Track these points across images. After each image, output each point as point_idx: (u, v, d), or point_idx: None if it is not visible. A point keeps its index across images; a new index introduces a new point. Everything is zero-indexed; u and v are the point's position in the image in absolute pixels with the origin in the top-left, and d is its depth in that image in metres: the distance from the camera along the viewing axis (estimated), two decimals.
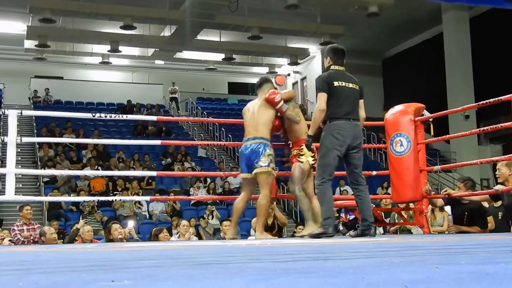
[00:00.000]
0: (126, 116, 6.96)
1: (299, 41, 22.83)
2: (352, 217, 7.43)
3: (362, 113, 5.43)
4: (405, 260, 2.40)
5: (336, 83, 5.27)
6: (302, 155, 5.84)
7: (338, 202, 7.19)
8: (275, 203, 8.20)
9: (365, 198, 5.28)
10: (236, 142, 16.66)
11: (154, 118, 8.06)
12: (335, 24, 20.34)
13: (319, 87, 5.30)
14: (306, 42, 22.96)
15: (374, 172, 7.39)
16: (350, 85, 5.34)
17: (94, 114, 6.35)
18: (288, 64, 25.29)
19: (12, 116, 5.66)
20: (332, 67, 5.44)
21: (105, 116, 6.34)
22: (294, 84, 27.22)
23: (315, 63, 24.89)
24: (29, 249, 4.89)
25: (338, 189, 16.48)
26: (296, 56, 23.98)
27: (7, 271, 2.26)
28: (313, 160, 5.75)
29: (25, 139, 6.42)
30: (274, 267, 2.08)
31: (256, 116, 5.98)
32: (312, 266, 2.07)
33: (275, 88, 6.31)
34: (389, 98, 24.32)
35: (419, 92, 19.12)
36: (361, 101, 5.45)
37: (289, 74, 27.35)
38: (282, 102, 5.89)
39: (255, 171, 5.77)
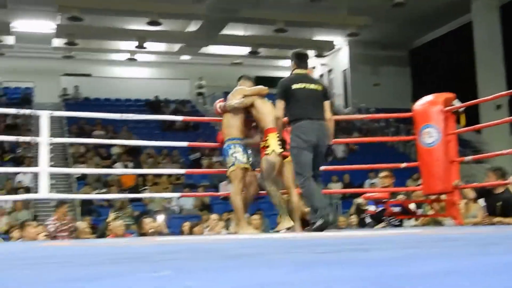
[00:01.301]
0: (152, 116, 7.02)
1: (324, 33, 22.74)
2: (380, 209, 7.39)
3: (327, 114, 5.52)
4: (441, 251, 2.39)
5: (294, 86, 5.42)
6: (267, 146, 5.83)
7: (367, 195, 7.17)
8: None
9: (320, 191, 5.37)
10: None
11: (180, 118, 8.12)
12: (361, 15, 20.21)
13: (277, 93, 5.48)
14: (331, 34, 22.87)
15: (404, 164, 7.34)
16: (311, 86, 5.46)
17: (122, 115, 6.45)
18: (314, 56, 25.15)
19: (44, 117, 5.76)
20: (294, 71, 5.59)
21: (131, 116, 6.40)
22: (321, 76, 27.08)
23: (341, 55, 24.77)
24: (65, 243, 4.98)
25: (367, 181, 16.41)
26: (322, 49, 23.91)
27: (49, 263, 2.31)
28: (281, 148, 5.76)
29: (56, 140, 6.51)
30: (313, 258, 2.10)
31: (224, 119, 6.16)
32: (355, 257, 2.08)
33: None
34: (417, 89, 24.11)
35: (448, 82, 18.92)
36: (326, 103, 5.55)
37: (314, 67, 27.22)
38: (222, 105, 6.10)
39: (227, 173, 6.04)
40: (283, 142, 5.77)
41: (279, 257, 2.29)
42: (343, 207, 15.58)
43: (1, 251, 3.83)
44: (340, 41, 23.82)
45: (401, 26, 21.56)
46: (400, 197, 7.05)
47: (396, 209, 7.05)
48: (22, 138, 7.02)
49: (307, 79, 5.53)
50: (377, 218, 7.13)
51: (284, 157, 5.80)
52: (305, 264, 1.84)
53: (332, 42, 23.54)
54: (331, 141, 5.52)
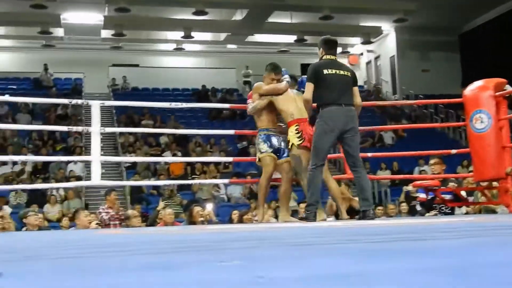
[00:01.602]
0: (199, 104, 7.08)
1: (371, 19, 22.44)
2: (431, 196, 7.27)
3: (357, 100, 5.54)
4: (497, 239, 2.34)
5: (325, 71, 5.45)
6: (289, 141, 6.01)
7: (417, 182, 7.07)
8: (347, 187, 8.17)
9: (364, 182, 5.39)
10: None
11: (227, 105, 8.20)
12: (408, 0, 19.86)
13: (308, 76, 5.51)
14: (379, 20, 22.55)
15: (454, 151, 7.20)
16: (341, 72, 5.49)
17: (170, 104, 6.54)
18: (361, 43, 24.92)
19: (95, 107, 5.87)
20: (324, 57, 5.61)
21: (180, 105, 6.47)
22: (368, 63, 26.81)
23: (389, 41, 24.41)
24: (120, 231, 5.06)
25: (417, 168, 16.21)
26: (369, 35, 23.61)
27: (112, 252, 2.34)
28: (300, 140, 5.86)
29: (108, 129, 6.64)
30: (376, 248, 2.07)
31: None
32: (414, 247, 2.04)
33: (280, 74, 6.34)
34: (467, 74, 23.56)
35: (499, 67, 18.41)
36: (355, 89, 5.57)
37: (362, 54, 26.95)
38: (253, 106, 6.31)
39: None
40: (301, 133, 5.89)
41: (342, 246, 2.27)
42: (392, 195, 15.43)
43: (68, 239, 3.89)
44: (387, 27, 23.47)
45: (450, 10, 21.08)
46: (451, 184, 6.94)
47: (447, 197, 6.94)
48: (74, 128, 7.14)
49: (337, 65, 5.57)
50: (428, 206, 7.02)
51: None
52: (373, 254, 1.82)
53: (379, 27, 23.21)
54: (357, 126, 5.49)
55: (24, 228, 7.45)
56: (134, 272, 1.53)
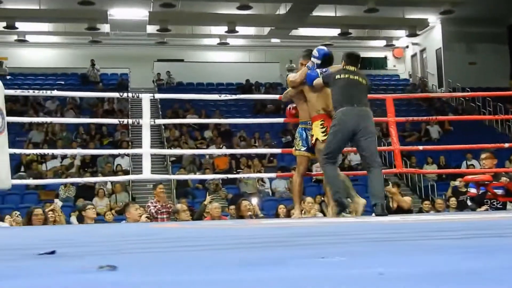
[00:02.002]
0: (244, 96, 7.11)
1: (417, 11, 22.11)
2: (482, 191, 7.14)
3: None
4: None
5: (337, 76, 5.69)
6: (312, 135, 6.04)
7: (469, 177, 6.95)
8: (395, 188, 8.09)
9: (374, 179, 5.51)
10: None
11: (275, 96, 8.18)
12: None
13: (323, 78, 5.82)
14: (425, 12, 22.20)
15: (507, 145, 7.07)
16: (355, 77, 5.70)
17: (220, 95, 6.58)
18: (406, 36, 24.57)
19: (146, 100, 5.92)
20: (344, 67, 5.82)
21: (230, 96, 6.52)
22: (413, 56, 26.43)
23: (435, 33, 24.00)
24: (175, 225, 5.11)
25: (464, 162, 15.95)
26: (415, 27, 23.26)
27: (184, 247, 2.34)
28: (324, 135, 5.85)
29: (158, 121, 6.72)
30: (465, 244, 2.04)
31: None
32: (495, 244, 2.01)
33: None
34: None
35: None
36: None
37: (407, 46, 26.59)
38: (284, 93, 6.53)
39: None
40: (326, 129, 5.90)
41: (430, 242, 2.24)
42: (438, 189, 15.22)
43: (138, 233, 3.93)
44: (433, 19, 23.08)
45: (499, 1, 20.60)
46: (504, 179, 6.80)
47: (499, 192, 6.81)
48: (125, 120, 7.23)
49: (353, 72, 5.73)
50: (479, 201, 6.90)
51: None
52: (471, 251, 1.79)
53: (426, 20, 22.84)
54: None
55: (81, 221, 7.60)
56: (241, 268, 1.52)
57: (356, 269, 1.41)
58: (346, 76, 5.66)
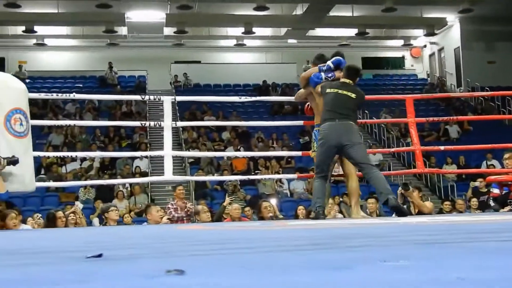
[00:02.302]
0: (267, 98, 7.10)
1: (435, 10, 21.95)
2: (505, 192, 7.06)
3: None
4: None
5: (328, 90, 5.91)
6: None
7: (492, 177, 6.86)
8: (416, 192, 8.03)
9: (373, 180, 5.72)
10: (373, 120, 16.49)
11: (288, 98, 8.21)
12: None
13: (320, 88, 6.04)
14: (443, 11, 22.04)
15: None
16: (343, 92, 5.85)
17: (240, 97, 6.59)
18: (424, 35, 24.43)
19: (167, 102, 5.94)
20: (341, 80, 6.01)
21: (249, 98, 6.50)
22: (431, 55, 26.25)
23: (454, 32, 23.80)
24: (200, 227, 5.10)
25: (484, 162, 15.80)
26: (433, 26, 23.11)
27: (235, 249, 2.30)
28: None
29: (180, 123, 6.75)
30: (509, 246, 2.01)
31: None
32: None
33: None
34: None
35: None
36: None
37: (425, 46, 26.42)
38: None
39: None
40: None
41: (483, 245, 2.19)
42: (458, 190, 15.10)
43: (174, 235, 3.89)
44: (452, 18, 22.89)
45: None
46: None
47: None
48: (147, 123, 7.27)
49: (344, 86, 5.89)
50: (502, 201, 6.82)
51: None
52: None
53: (444, 18, 22.67)
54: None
55: (102, 223, 7.63)
56: (308, 271, 1.48)
57: (431, 273, 1.36)
58: (335, 91, 5.85)
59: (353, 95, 5.87)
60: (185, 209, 7.79)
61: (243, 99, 6.62)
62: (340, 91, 5.85)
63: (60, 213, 7.12)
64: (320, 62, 6.26)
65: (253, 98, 7.16)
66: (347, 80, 5.94)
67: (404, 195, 8.05)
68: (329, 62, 6.16)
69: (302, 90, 6.46)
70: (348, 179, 6.14)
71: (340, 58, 6.27)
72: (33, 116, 14.88)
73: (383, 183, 5.68)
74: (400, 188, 8.07)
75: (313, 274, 1.42)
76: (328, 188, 6.32)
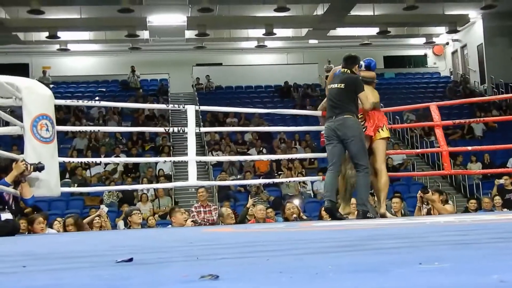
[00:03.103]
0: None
1: (457, 7, 21.76)
2: None
3: (365, 106, 6.03)
4: None
5: (328, 86, 6.18)
6: None
7: None
8: (436, 195, 7.96)
9: (358, 185, 5.89)
10: (402, 125, 16.41)
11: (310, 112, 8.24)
12: None
13: None
14: (465, 7, 21.85)
15: None
16: (336, 86, 5.99)
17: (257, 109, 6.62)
18: (447, 32, 24.22)
19: (191, 110, 6.06)
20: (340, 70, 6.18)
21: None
22: (454, 53, 26.02)
23: (476, 29, 23.56)
24: (228, 229, 5.10)
25: (511, 160, 15.61)
26: (455, 23, 22.89)
27: (264, 252, 2.28)
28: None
29: (203, 129, 6.85)
30: None
31: None
32: None
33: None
34: None
35: None
36: (361, 95, 5.98)
37: (447, 43, 26.19)
38: None
39: None
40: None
41: None
42: (484, 188, 14.95)
43: (203, 238, 3.90)
44: (474, 15, 22.66)
45: None
46: None
47: None
48: (171, 129, 7.37)
49: (339, 78, 6.04)
50: None
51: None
52: None
53: (466, 15, 22.46)
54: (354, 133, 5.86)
55: (127, 226, 7.69)
56: (344, 274, 1.47)
57: (471, 276, 1.34)
58: (330, 86, 6.06)
59: (342, 85, 5.96)
60: (209, 212, 7.82)
61: (266, 110, 6.84)
62: (333, 86, 6.03)
63: (69, 221, 7.25)
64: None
65: (277, 111, 7.46)
66: (344, 69, 6.10)
67: (423, 198, 8.01)
68: (362, 62, 6.39)
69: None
70: (377, 175, 6.20)
71: (371, 59, 6.60)
72: (57, 121, 15.07)
73: (364, 192, 5.82)
74: (419, 191, 8.03)
75: (351, 278, 1.41)
76: (349, 187, 6.35)
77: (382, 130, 6.25)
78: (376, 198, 6.53)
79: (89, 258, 2.35)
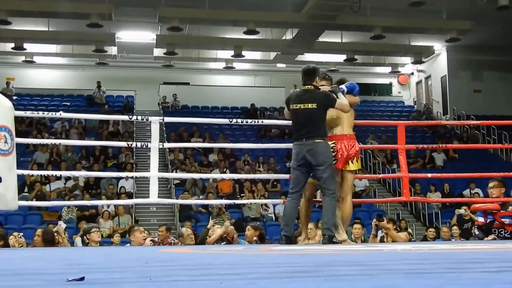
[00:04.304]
0: (260, 121, 7.09)
1: (423, 38, 22.20)
2: (489, 220, 7.07)
3: (345, 110, 5.82)
4: None
5: (291, 106, 5.80)
6: None
7: (477, 205, 6.88)
8: (390, 224, 8.06)
9: (325, 209, 5.66)
10: (363, 145, 16.51)
11: (279, 122, 8.22)
12: (462, 19, 19.57)
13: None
14: (430, 39, 22.29)
15: None
16: (305, 106, 5.69)
17: (231, 120, 6.59)
18: (412, 63, 24.67)
19: (155, 123, 5.91)
20: (302, 87, 5.88)
21: (242, 122, 6.51)
22: (418, 83, 26.50)
23: (441, 61, 24.07)
24: (186, 250, 5.03)
25: (468, 191, 15.87)
26: (420, 54, 23.34)
27: (226, 275, 2.25)
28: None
29: (167, 145, 6.73)
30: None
31: None
32: None
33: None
34: None
35: None
36: (337, 105, 5.73)
37: (412, 73, 26.68)
38: None
39: None
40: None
41: (467, 275, 2.19)
42: (443, 217, 15.15)
43: (159, 258, 3.84)
44: (439, 47, 23.17)
45: (505, 29, 20.66)
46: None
47: (507, 221, 6.74)
48: (134, 143, 7.23)
49: (305, 97, 5.74)
50: (487, 230, 6.83)
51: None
52: None
53: (432, 47, 22.92)
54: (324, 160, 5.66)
55: (85, 243, 7.56)
56: None
57: None
58: (298, 106, 5.72)
59: (314, 105, 5.68)
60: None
61: (234, 121, 6.61)
62: (302, 106, 5.71)
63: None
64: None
65: (245, 121, 7.10)
66: (307, 87, 5.80)
67: (377, 226, 8.11)
68: (343, 86, 6.03)
69: None
70: (342, 202, 6.00)
71: (354, 83, 6.20)
72: (19, 134, 14.82)
73: (330, 216, 5.63)
74: (374, 219, 8.10)
75: None
76: (307, 212, 6.28)
77: (352, 162, 5.98)
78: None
79: (41, 276, 2.30)
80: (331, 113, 5.92)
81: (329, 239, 5.54)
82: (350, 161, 5.98)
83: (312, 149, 5.63)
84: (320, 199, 6.46)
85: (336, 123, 6.01)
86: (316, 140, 5.65)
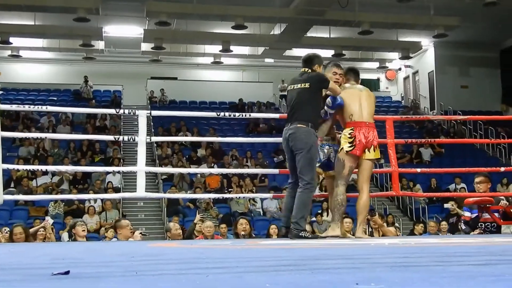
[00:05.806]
0: (249, 115, 7.08)
1: (411, 34, 22.26)
2: (475, 215, 7.12)
3: (337, 92, 5.66)
4: None
5: (288, 87, 5.77)
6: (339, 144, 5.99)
7: (470, 199, 6.88)
8: (381, 218, 8.11)
9: (296, 199, 5.38)
10: None
11: (275, 115, 8.20)
12: (450, 15, 19.65)
13: None
14: (418, 35, 22.36)
15: (503, 168, 7.09)
16: (295, 86, 5.61)
17: (218, 114, 6.57)
18: (399, 58, 24.74)
19: (142, 117, 5.86)
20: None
21: (229, 115, 6.50)
22: (406, 78, 26.58)
23: (428, 56, 24.16)
24: (174, 245, 5.02)
25: (453, 185, 15.97)
26: (408, 50, 23.41)
27: (216, 268, 2.25)
28: (350, 146, 5.68)
29: (154, 138, 6.69)
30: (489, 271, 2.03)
31: None
32: None
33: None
34: (508, 91, 23.22)
35: None
36: (330, 88, 5.59)
37: (400, 69, 26.76)
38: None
39: None
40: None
41: (452, 269, 2.20)
42: (430, 212, 15.22)
43: (146, 253, 3.82)
44: (427, 42, 23.25)
45: (492, 26, 20.78)
46: (503, 202, 6.77)
47: (497, 215, 6.78)
48: (121, 138, 7.18)
49: (301, 78, 5.64)
50: (473, 224, 6.88)
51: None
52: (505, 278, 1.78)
53: (419, 43, 23.01)
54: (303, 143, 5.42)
55: (71, 238, 7.53)
56: None
57: None
58: (291, 88, 5.66)
59: (306, 85, 5.52)
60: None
61: (222, 115, 6.55)
62: (295, 86, 5.61)
63: (17, 229, 7.04)
64: (354, 76, 6.07)
65: (233, 115, 7.04)
66: (304, 69, 5.67)
67: (369, 221, 8.15)
68: (328, 99, 5.73)
69: None
70: (359, 194, 5.77)
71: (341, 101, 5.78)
72: (5, 128, 14.73)
73: (298, 210, 5.32)
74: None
75: None
76: (337, 205, 5.95)
77: (369, 151, 5.68)
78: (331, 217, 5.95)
79: (24, 271, 2.29)
80: (349, 100, 5.75)
81: (296, 235, 5.27)
82: (367, 149, 5.70)
83: (293, 133, 5.45)
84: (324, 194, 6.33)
85: (355, 110, 5.77)
86: (298, 125, 5.44)
